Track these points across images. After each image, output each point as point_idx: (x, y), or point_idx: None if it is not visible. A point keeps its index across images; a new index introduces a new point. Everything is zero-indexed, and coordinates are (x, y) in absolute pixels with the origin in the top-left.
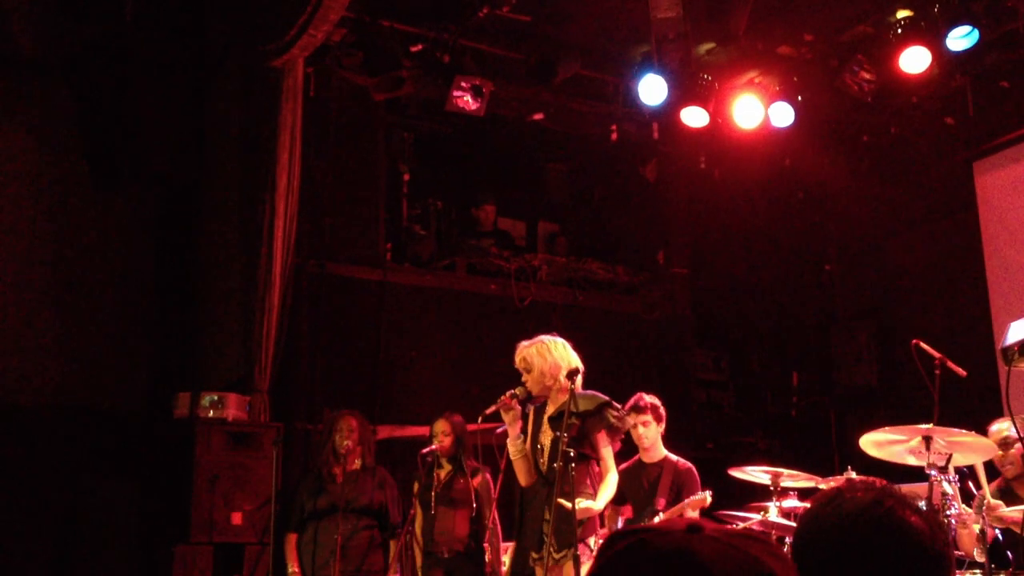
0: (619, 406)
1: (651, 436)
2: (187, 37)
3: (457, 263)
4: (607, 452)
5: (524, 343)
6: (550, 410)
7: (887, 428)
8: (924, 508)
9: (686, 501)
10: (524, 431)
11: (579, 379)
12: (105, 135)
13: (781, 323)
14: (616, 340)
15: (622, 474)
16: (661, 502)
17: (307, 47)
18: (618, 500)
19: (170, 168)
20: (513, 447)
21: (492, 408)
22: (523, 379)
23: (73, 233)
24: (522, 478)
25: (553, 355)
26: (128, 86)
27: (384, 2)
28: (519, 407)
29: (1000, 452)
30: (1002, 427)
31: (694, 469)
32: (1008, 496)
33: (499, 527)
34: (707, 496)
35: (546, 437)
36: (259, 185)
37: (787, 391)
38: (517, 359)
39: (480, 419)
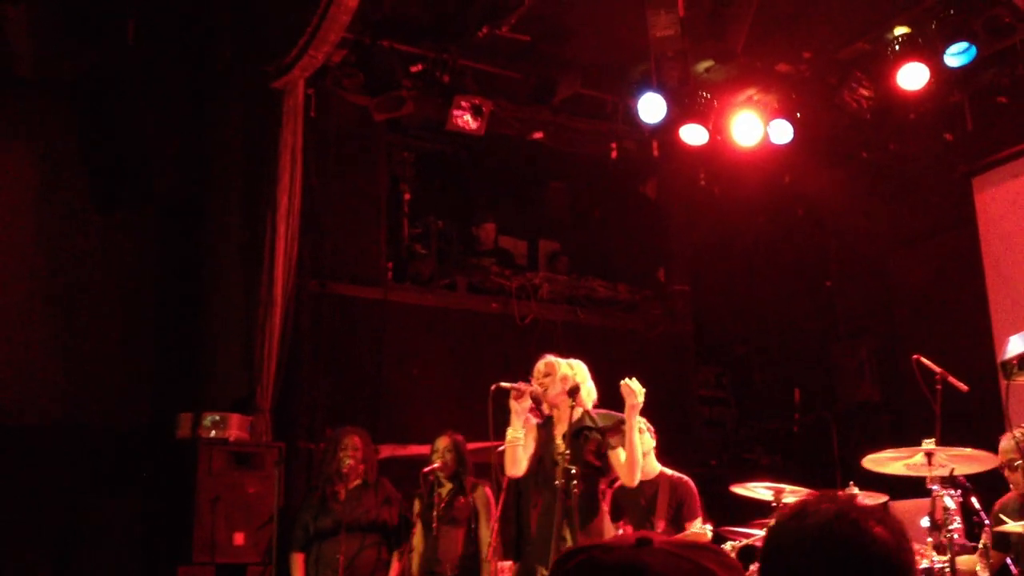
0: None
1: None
2: (189, 58)
3: (458, 282)
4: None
5: (552, 355)
6: (561, 427)
7: (888, 451)
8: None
9: (686, 533)
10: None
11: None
12: (107, 156)
13: (782, 339)
14: (618, 358)
15: (618, 491)
16: (661, 523)
17: (308, 68)
18: (615, 516)
19: (172, 188)
20: (511, 434)
21: (511, 384)
22: (539, 383)
23: (75, 253)
24: (509, 468)
25: (577, 370)
26: (130, 107)
27: (384, 23)
28: (529, 401)
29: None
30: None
31: (691, 482)
32: None
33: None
34: (708, 530)
35: (559, 453)
36: (260, 205)
37: (789, 407)
38: (542, 364)
39: (493, 388)
